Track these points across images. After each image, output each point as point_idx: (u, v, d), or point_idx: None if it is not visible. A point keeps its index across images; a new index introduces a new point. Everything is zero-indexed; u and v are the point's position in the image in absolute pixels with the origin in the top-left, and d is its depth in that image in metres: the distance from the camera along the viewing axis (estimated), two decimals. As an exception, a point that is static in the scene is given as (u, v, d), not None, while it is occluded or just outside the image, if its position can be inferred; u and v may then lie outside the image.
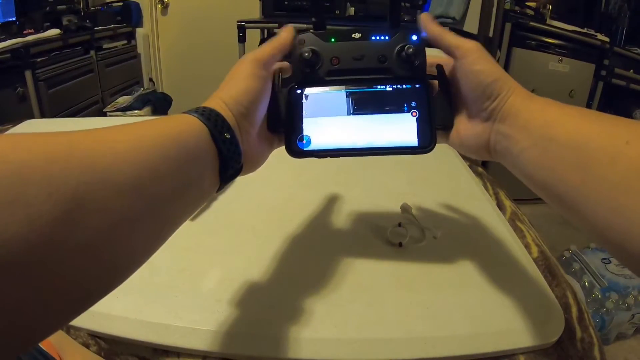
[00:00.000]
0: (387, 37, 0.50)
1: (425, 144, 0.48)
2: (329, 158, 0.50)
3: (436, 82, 0.49)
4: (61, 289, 0.23)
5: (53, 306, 0.23)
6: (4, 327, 0.21)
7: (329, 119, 0.49)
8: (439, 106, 0.48)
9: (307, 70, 0.49)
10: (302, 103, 0.49)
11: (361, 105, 0.49)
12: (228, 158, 0.39)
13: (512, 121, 0.40)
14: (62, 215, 0.22)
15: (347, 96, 0.49)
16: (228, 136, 0.39)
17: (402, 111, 0.49)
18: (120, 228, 0.26)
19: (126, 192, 0.27)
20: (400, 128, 0.48)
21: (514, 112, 0.40)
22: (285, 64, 0.50)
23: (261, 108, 0.45)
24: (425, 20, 0.48)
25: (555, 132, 0.36)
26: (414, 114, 0.48)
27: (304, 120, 0.49)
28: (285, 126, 0.49)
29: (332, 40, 0.50)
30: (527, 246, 0.64)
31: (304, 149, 0.49)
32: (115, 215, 0.26)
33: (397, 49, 0.49)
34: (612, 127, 0.34)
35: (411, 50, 0.48)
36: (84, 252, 0.24)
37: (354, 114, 0.49)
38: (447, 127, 0.48)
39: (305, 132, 0.49)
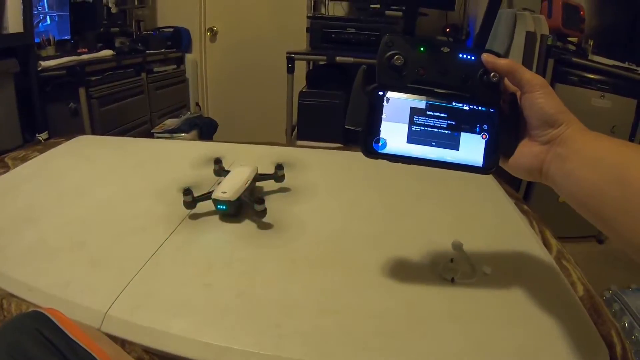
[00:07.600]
0: (473, 58, 0.51)
1: (489, 166, 0.51)
2: (399, 164, 0.51)
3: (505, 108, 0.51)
4: None
5: None
6: None
7: (406, 126, 0.51)
8: (505, 133, 0.50)
9: (392, 75, 0.51)
10: (382, 105, 0.51)
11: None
12: None
13: (570, 145, 0.46)
14: None
15: (426, 107, 0.51)
16: None
17: (474, 132, 0.51)
18: None
19: None
20: (470, 147, 0.51)
21: (571, 138, 0.46)
22: None
23: None
24: (491, 58, 0.50)
25: (603, 154, 0.43)
26: (484, 136, 0.51)
27: (383, 123, 0.50)
28: (363, 125, 0.50)
29: (422, 49, 0.51)
30: (573, 284, 0.64)
31: (379, 151, 0.51)
32: None
33: (480, 71, 0.51)
34: None
35: (496, 78, 0.50)
36: None
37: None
38: (508, 154, 0.50)
39: (382, 135, 0.50)
